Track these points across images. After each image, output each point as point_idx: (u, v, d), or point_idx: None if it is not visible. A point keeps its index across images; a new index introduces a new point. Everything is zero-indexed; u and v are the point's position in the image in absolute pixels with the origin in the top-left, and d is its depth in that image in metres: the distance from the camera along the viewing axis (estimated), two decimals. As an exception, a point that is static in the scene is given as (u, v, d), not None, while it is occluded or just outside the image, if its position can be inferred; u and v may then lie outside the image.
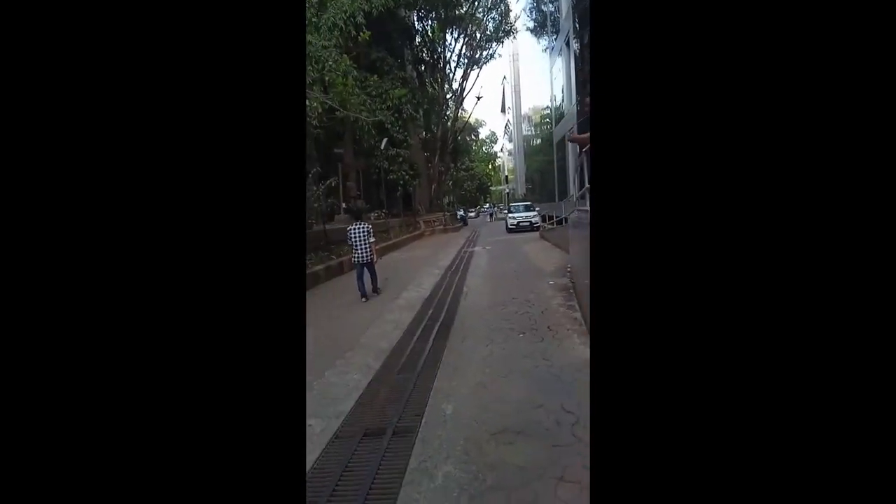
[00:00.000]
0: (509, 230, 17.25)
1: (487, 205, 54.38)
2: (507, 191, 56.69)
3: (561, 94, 18.13)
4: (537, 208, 18.10)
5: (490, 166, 58.80)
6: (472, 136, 36.48)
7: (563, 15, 14.13)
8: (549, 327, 4.00)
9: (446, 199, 29.85)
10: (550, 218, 16.24)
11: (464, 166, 34.85)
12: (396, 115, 14.78)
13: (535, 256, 9.17)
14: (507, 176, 59.40)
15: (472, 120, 33.86)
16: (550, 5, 24.87)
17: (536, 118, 35.38)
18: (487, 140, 58.20)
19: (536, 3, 25.94)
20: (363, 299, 5.79)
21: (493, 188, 57.03)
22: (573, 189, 14.49)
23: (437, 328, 4.31)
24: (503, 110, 65.59)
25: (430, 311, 5.05)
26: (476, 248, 12.18)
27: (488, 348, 3.58)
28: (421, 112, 19.23)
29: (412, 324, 4.57)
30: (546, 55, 26.56)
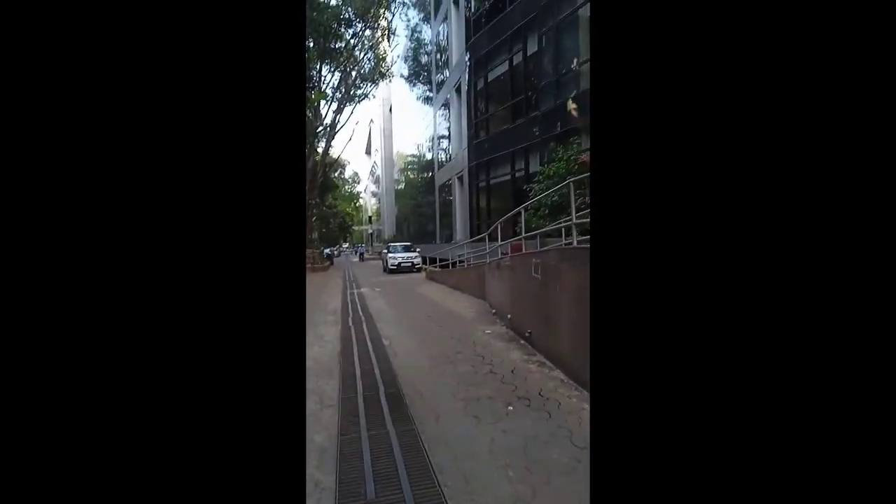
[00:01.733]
0: (389, 271, 16.26)
1: (346, 244, 52.39)
2: (371, 231, 56.14)
3: (429, 143, 18.51)
4: (417, 249, 17.58)
5: (353, 206, 57.67)
6: (340, 173, 34.99)
7: (454, 62, 14.51)
8: (540, 393, 3.16)
9: (311, 236, 27.55)
10: (434, 260, 15.85)
11: (327, 203, 33.09)
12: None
13: (439, 299, 8.38)
14: (370, 217, 59.04)
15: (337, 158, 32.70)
16: (426, 56, 26.06)
17: (401, 163, 36.12)
18: (350, 180, 57.31)
19: (414, 52, 26.97)
20: None
21: (355, 228, 55.74)
22: (460, 233, 14.45)
23: (384, 401, 3.10)
24: (368, 152, 66.12)
25: (358, 374, 3.77)
26: (363, 290, 10.89)
27: (483, 433, 2.56)
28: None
29: (346, 397, 3.26)
30: (419, 103, 27.57)
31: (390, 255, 16.85)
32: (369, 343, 4.99)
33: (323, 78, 21.25)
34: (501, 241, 7.13)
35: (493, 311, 6.31)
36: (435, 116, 18.95)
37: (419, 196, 30.74)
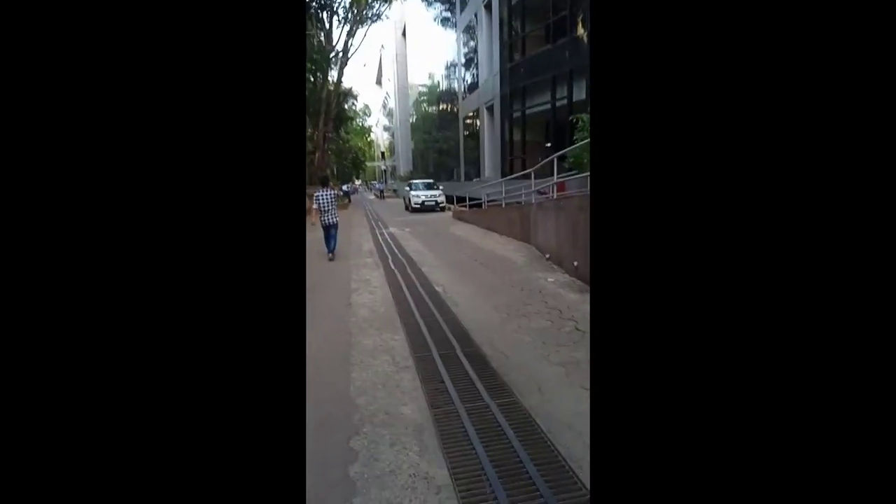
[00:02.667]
0: (413, 209, 15.71)
1: (359, 181, 51.43)
2: (384, 167, 54.74)
3: (446, 71, 16.98)
4: (441, 187, 16.85)
5: (365, 140, 55.77)
6: (352, 105, 33.19)
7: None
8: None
9: (327, 172, 26.72)
10: (457, 199, 15.19)
11: (341, 137, 31.86)
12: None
13: (478, 241, 7.90)
14: (382, 152, 57.34)
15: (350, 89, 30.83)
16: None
17: (414, 95, 34.04)
18: (361, 113, 54.87)
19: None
20: (329, 255, 6.58)
21: (367, 164, 54.35)
22: (489, 170, 13.61)
23: (466, 363, 2.71)
24: (378, 82, 62.58)
25: (423, 327, 3.38)
26: (392, 230, 10.43)
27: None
28: (308, 63, 16.07)
29: (419, 356, 2.87)
30: (436, 25, 25.24)
31: (413, 192, 16.18)
32: (421, 290, 4.58)
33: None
34: (542, 179, 6.48)
35: (547, 256, 5.82)
36: (459, 38, 17.23)
37: (434, 130, 29.28)
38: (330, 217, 6.55)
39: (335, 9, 19.98)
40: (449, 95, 25.64)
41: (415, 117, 34.54)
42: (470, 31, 16.50)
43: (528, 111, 10.63)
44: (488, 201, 10.94)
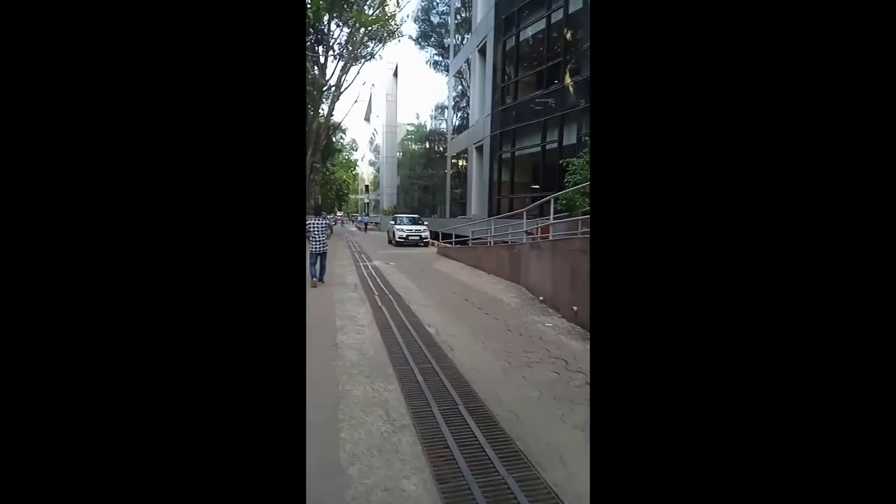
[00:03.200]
0: (397, 243, 15.43)
1: (340, 213, 51.13)
2: (367, 201, 54.79)
3: (434, 112, 17.34)
4: (426, 222, 16.71)
5: (350, 173, 55.97)
6: (340, 138, 33.38)
7: (479, 19, 13.25)
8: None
9: (311, 202, 26.37)
10: (441, 235, 15.03)
11: (330, 168, 31.79)
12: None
13: (466, 279, 7.64)
14: (367, 186, 57.58)
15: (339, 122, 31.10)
16: (438, 17, 24.43)
17: (402, 133, 34.67)
18: (349, 147, 55.26)
19: (425, 11, 25.28)
20: (314, 282, 6.72)
21: (350, 196, 54.26)
22: (475, 208, 13.58)
23: (472, 423, 2.37)
24: (367, 118, 63.74)
25: (418, 375, 3.03)
26: (376, 264, 10.09)
27: None
28: (299, 95, 16.03)
29: (418, 413, 2.52)
30: (427, 67, 26.04)
31: (397, 227, 15.96)
32: (412, 330, 4.24)
33: (331, 33, 19.82)
34: (529, 219, 6.36)
35: (541, 298, 5.58)
36: (450, 82, 17.67)
37: (417, 167, 29.61)
38: (319, 246, 6.83)
39: (331, 44, 20.39)
40: (435, 135, 26.16)
41: (401, 154, 35.01)
42: (461, 75, 16.98)
43: (517, 153, 10.74)
44: (474, 239, 10.81)
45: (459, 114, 22.26)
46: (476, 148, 13.41)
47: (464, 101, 20.20)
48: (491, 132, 11.77)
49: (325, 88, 21.13)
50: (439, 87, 25.14)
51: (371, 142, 58.29)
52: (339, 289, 6.65)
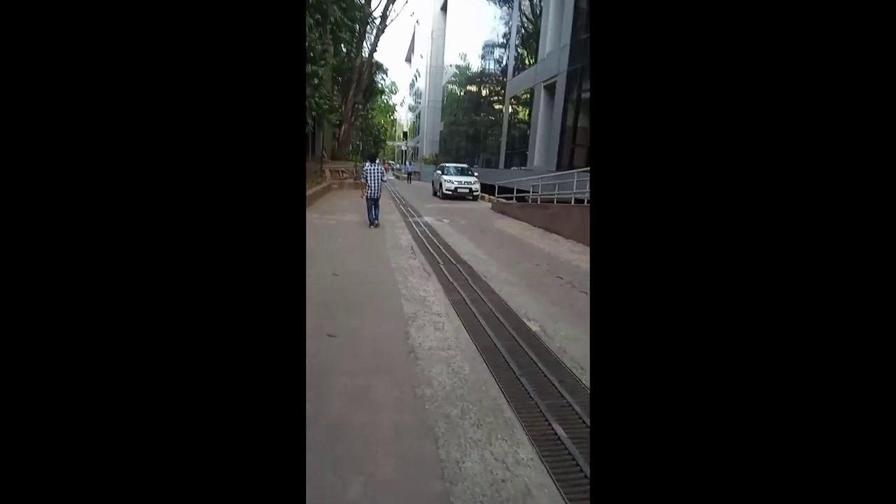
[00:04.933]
0: (444, 195, 14.13)
1: (376, 161, 49.85)
2: (405, 148, 53.06)
3: (484, 50, 15.16)
4: (476, 173, 15.20)
5: (388, 119, 53.92)
6: (383, 78, 31.35)
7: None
8: None
9: (349, 147, 25.10)
10: (493, 189, 13.56)
11: (372, 111, 30.17)
12: (319, 14, 10.24)
13: (540, 245, 6.34)
14: (405, 132, 55.68)
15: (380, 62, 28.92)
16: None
17: (449, 75, 32.11)
18: (388, 90, 52.83)
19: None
20: (373, 226, 7.30)
21: (387, 143, 52.57)
22: (539, 159, 11.95)
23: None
24: (408, 59, 60.33)
25: (554, 426, 1.87)
26: (428, 220, 8.90)
27: None
28: (345, 26, 14.28)
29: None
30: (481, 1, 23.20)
31: (445, 177, 14.56)
32: (509, 328, 3.06)
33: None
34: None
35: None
36: (517, 4, 15.29)
37: (462, 113, 27.50)
38: (375, 191, 7.30)
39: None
40: (485, 77, 23.79)
41: (445, 99, 32.77)
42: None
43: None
44: (537, 194, 9.36)
45: (512, 54, 19.93)
46: (545, 87, 11.54)
47: (518, 38, 17.91)
48: (569, 66, 9.87)
49: (370, 19, 19.21)
50: (491, 23, 22.48)
51: (412, 85, 55.44)
52: (396, 253, 5.52)
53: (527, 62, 14.71)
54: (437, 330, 3.03)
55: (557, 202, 8.25)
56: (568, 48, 9.94)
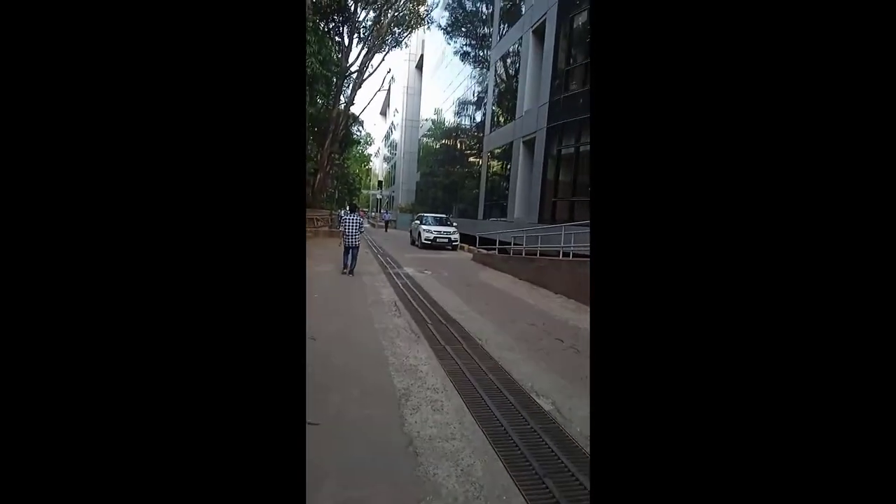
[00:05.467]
0: (423, 245, 13.84)
1: (355, 212, 49.79)
2: (380, 196, 53.45)
3: (456, 107, 15.61)
4: (454, 223, 15.09)
5: (363, 168, 54.58)
6: (359, 129, 31.86)
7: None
8: None
9: (323, 195, 24.85)
10: (472, 239, 13.42)
11: (346, 160, 30.30)
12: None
13: (530, 301, 6.02)
14: (380, 181, 56.34)
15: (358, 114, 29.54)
16: (470, 2, 22.74)
17: (425, 127, 33.11)
18: (363, 141, 53.84)
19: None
20: (345, 271, 7.55)
21: (362, 191, 52.92)
22: (520, 210, 11.96)
23: None
24: (383, 112, 62.29)
25: None
26: (409, 272, 8.50)
27: None
28: (322, 78, 14.40)
29: None
30: (455, 59, 24.37)
31: (423, 227, 14.35)
32: (527, 416, 2.63)
33: (357, 15, 18.34)
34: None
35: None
36: (492, 68, 15.93)
37: (436, 165, 28.05)
38: (353, 240, 7.52)
39: (357, 26, 18.91)
40: (459, 132, 24.52)
41: (421, 151, 33.53)
42: (505, 61, 15.33)
43: (582, 148, 9.08)
44: (517, 247, 9.19)
45: (482, 111, 20.66)
46: (524, 142, 11.76)
47: (493, 96, 18.69)
48: (548, 124, 10.09)
49: (347, 74, 19.65)
50: (464, 82, 23.45)
51: (387, 137, 56.85)
52: (378, 310, 5.06)
53: (501, 119, 15.18)
54: (436, 411, 2.57)
55: (541, 255, 8.07)
56: (547, 106, 10.22)
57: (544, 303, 6.03)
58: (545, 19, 10.59)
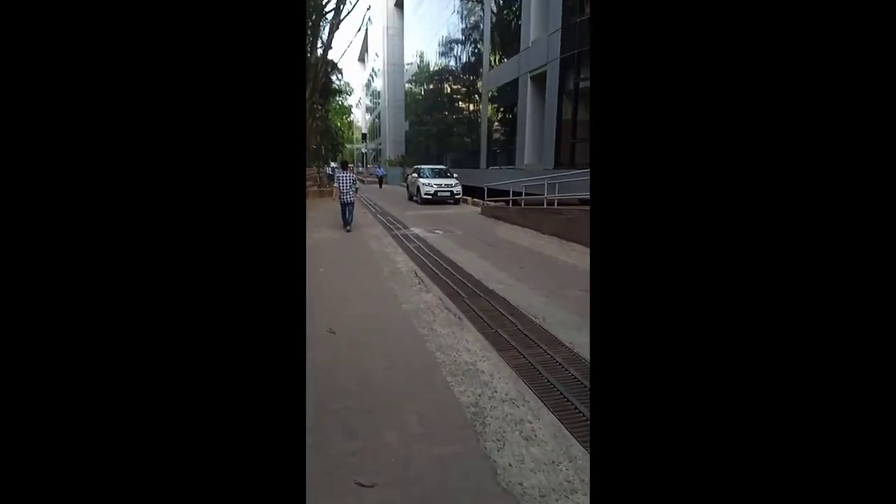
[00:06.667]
0: (423, 201, 12.90)
1: (334, 164, 47.65)
2: (365, 150, 51.32)
3: (443, 47, 14.10)
4: (455, 174, 14.04)
5: (344, 121, 51.94)
6: (339, 77, 29.55)
7: None
8: None
9: (311, 147, 23.33)
10: (475, 190, 12.48)
11: (329, 111, 28.38)
12: None
13: (574, 262, 5.28)
14: (364, 133, 54.03)
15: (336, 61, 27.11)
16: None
17: (411, 72, 30.83)
18: (343, 90, 50.64)
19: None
20: (346, 228, 7.56)
21: (346, 146, 50.71)
22: (530, 156, 10.93)
23: None
24: (361, 59, 58.36)
25: None
26: (417, 232, 7.68)
27: None
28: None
29: None
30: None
31: (422, 181, 13.32)
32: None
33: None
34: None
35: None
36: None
37: (424, 113, 26.35)
38: (348, 196, 7.55)
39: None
40: (450, 73, 22.71)
41: (406, 98, 31.48)
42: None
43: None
44: (528, 196, 8.33)
45: (472, 49, 18.87)
46: (533, 78, 10.52)
47: (475, 33, 16.96)
48: (561, 54, 8.87)
49: (324, 11, 17.71)
50: (450, 18, 21.34)
51: (368, 84, 53.57)
52: (399, 283, 4.28)
53: (498, 55, 13.70)
54: (529, 440, 1.85)
55: (560, 204, 7.24)
56: (559, 34, 8.94)
57: (584, 261, 5.29)
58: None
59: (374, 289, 4.14)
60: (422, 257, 5.59)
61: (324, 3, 17.11)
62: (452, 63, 21.98)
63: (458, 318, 3.37)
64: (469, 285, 4.25)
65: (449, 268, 4.99)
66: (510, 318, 3.35)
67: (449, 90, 22.97)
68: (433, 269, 4.96)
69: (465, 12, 18.99)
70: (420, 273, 4.76)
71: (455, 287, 4.20)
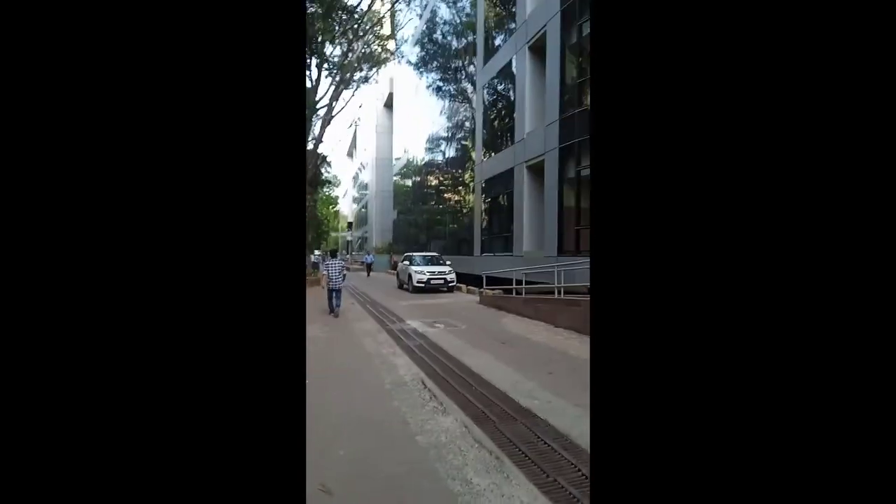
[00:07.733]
0: (415, 289, 12.14)
1: (318, 252, 47.08)
2: (350, 238, 51.67)
3: (429, 144, 14.60)
4: (448, 261, 13.49)
5: (330, 210, 52.91)
6: (327, 170, 30.33)
7: (528, 11, 10.65)
8: None
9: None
10: (468, 278, 11.84)
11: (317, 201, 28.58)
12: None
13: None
14: (350, 222, 54.96)
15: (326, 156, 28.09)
16: (442, 36, 22.22)
17: (398, 165, 32.11)
18: (330, 182, 52.29)
19: (429, 32, 23.10)
20: (332, 314, 7.74)
21: (330, 234, 51.01)
22: (529, 243, 10.54)
23: None
24: (350, 154, 61.41)
25: None
26: (414, 326, 6.80)
27: None
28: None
29: None
30: (427, 93, 23.61)
31: (414, 268, 12.69)
32: None
33: (325, 51, 17.25)
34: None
35: None
36: (482, 93, 14.86)
37: (410, 202, 26.84)
38: (336, 283, 7.67)
39: (324, 60, 17.75)
40: (436, 167, 23.45)
41: (394, 189, 32.37)
42: (498, 82, 14.39)
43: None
44: (530, 284, 7.69)
45: (457, 146, 19.67)
46: (529, 167, 10.51)
47: (460, 131, 17.80)
48: (560, 143, 8.87)
49: (317, 107, 18.37)
50: (438, 118, 22.59)
51: (356, 177, 55.60)
52: (406, 400, 3.33)
53: (490, 148, 14.05)
54: None
55: (566, 293, 6.57)
56: (557, 125, 9.05)
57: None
58: (545, 33, 9.61)
59: (376, 412, 3.18)
60: (427, 360, 4.68)
61: (317, 99, 17.84)
62: (439, 157, 22.76)
63: (497, 458, 2.44)
64: (495, 402, 3.34)
65: (462, 375, 4.08)
66: (566, 455, 2.43)
67: (436, 182, 23.51)
68: (444, 377, 4.05)
69: (453, 111, 20.05)
70: (429, 383, 3.84)
71: (478, 404, 3.28)
